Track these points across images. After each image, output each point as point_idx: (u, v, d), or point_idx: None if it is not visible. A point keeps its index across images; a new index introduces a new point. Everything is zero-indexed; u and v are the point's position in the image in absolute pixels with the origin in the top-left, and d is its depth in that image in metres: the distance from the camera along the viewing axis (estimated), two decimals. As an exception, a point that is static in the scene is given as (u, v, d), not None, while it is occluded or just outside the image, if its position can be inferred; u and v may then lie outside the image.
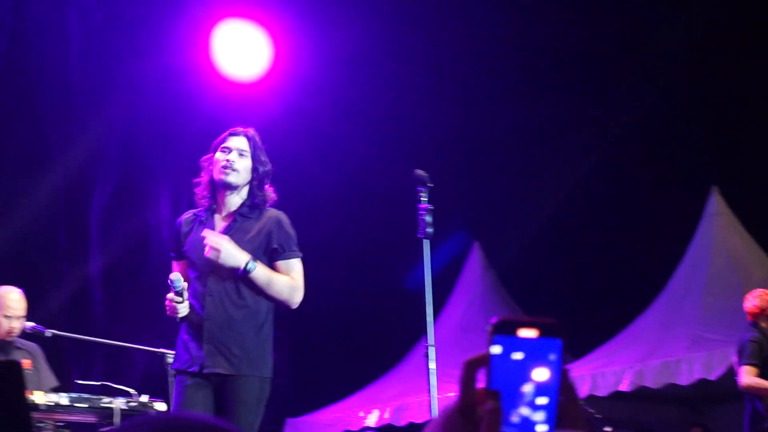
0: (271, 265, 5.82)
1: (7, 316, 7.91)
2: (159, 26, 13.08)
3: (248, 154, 5.94)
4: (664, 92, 14.72)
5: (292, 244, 5.90)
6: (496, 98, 14.85)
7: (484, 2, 14.43)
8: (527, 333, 1.37)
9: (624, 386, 12.05)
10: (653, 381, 11.91)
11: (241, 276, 5.72)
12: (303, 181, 14.62)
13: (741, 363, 8.61)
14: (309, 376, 15.86)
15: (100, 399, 7.07)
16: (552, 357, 1.36)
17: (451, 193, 12.93)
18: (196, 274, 5.84)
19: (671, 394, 12.59)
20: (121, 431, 1.45)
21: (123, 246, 13.44)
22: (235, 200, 5.93)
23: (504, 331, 1.37)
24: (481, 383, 1.35)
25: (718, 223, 12.98)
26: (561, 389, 1.34)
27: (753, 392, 8.57)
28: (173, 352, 6.08)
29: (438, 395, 5.89)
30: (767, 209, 13.89)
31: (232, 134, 6.00)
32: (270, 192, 5.97)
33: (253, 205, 5.91)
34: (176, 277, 5.75)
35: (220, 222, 5.93)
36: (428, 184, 6.15)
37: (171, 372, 6.24)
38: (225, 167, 5.86)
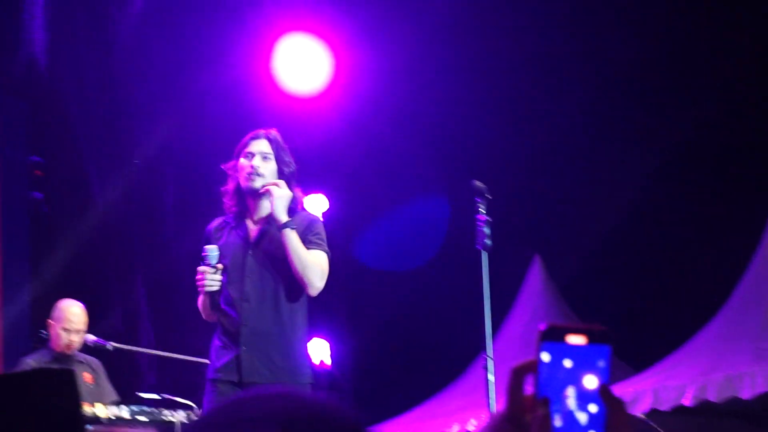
0: None
1: (66, 330, 7.96)
2: (221, 40, 13.14)
3: (272, 157, 5.86)
4: (729, 97, 14.56)
5: (322, 242, 5.80)
6: (556, 109, 14.78)
7: (543, 15, 14.37)
8: (576, 340, 1.36)
9: (686, 400, 11.94)
10: (716, 395, 11.78)
11: (280, 229, 5.62)
12: (363, 194, 14.64)
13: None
14: (369, 389, 15.84)
15: (161, 412, 7.11)
16: (601, 364, 1.35)
17: (510, 205, 12.89)
18: (229, 281, 5.76)
19: (734, 408, 12.44)
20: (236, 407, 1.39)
21: (183, 259, 13.49)
22: (265, 204, 5.85)
23: (552, 338, 1.36)
24: (529, 390, 1.34)
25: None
26: (607, 397, 1.33)
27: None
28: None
29: (497, 408, 5.87)
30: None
31: (253, 138, 5.92)
32: (298, 192, 5.89)
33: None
34: (212, 248, 5.66)
35: (252, 226, 5.86)
36: (486, 196, 6.14)
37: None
38: (250, 173, 5.79)
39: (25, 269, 11.88)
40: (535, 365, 1.35)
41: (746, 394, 11.57)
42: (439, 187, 14.37)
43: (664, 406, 12.04)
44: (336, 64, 13.27)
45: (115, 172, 13.13)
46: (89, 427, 6.89)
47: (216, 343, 5.76)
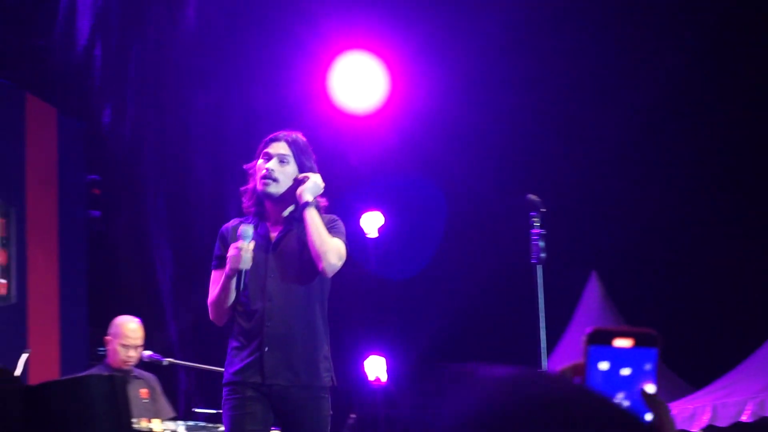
0: None
1: (124, 345, 8.00)
2: (278, 59, 13.20)
3: (290, 159, 5.70)
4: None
5: (341, 234, 5.68)
6: (613, 123, 14.72)
7: (597, 33, 14.34)
8: (622, 343, 1.34)
9: (746, 417, 11.87)
10: (776, 412, 11.71)
11: (302, 208, 5.56)
12: (419, 210, 14.66)
13: None
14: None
15: (217, 427, 7.12)
16: (647, 367, 1.33)
17: (567, 221, 12.86)
18: (250, 280, 5.67)
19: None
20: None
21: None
22: (284, 206, 5.81)
23: (599, 341, 1.35)
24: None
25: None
26: (650, 400, 1.31)
27: None
28: None
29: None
30: None
31: (273, 140, 5.76)
32: (323, 200, 5.78)
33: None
34: (247, 227, 5.58)
35: (272, 227, 5.77)
36: (541, 209, 6.11)
37: None
38: (264, 177, 5.67)
39: (82, 286, 11.98)
40: (582, 368, 1.34)
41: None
42: (494, 202, 14.34)
43: (723, 422, 11.96)
44: (392, 82, 13.30)
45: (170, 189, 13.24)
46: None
47: (233, 344, 5.61)
